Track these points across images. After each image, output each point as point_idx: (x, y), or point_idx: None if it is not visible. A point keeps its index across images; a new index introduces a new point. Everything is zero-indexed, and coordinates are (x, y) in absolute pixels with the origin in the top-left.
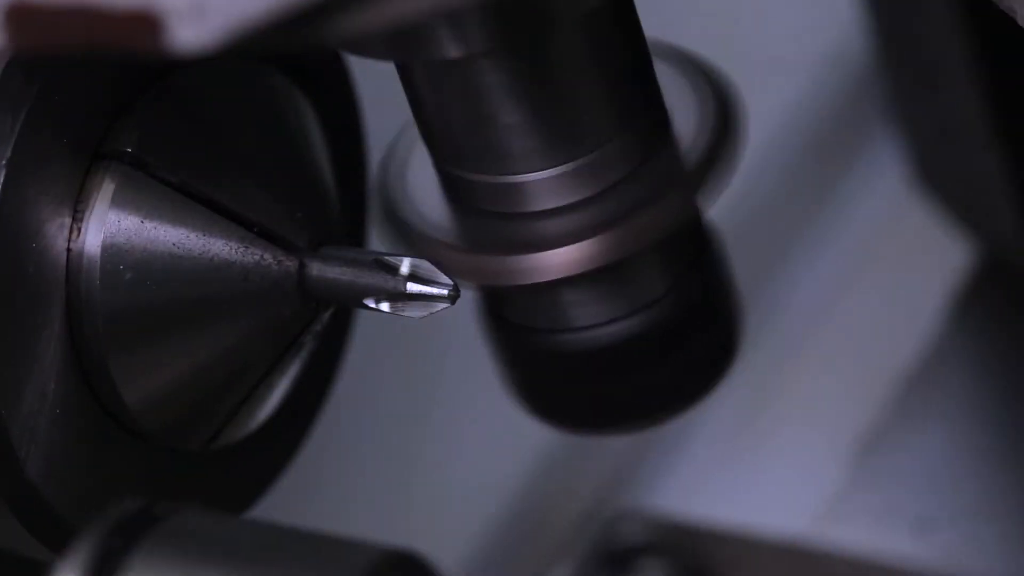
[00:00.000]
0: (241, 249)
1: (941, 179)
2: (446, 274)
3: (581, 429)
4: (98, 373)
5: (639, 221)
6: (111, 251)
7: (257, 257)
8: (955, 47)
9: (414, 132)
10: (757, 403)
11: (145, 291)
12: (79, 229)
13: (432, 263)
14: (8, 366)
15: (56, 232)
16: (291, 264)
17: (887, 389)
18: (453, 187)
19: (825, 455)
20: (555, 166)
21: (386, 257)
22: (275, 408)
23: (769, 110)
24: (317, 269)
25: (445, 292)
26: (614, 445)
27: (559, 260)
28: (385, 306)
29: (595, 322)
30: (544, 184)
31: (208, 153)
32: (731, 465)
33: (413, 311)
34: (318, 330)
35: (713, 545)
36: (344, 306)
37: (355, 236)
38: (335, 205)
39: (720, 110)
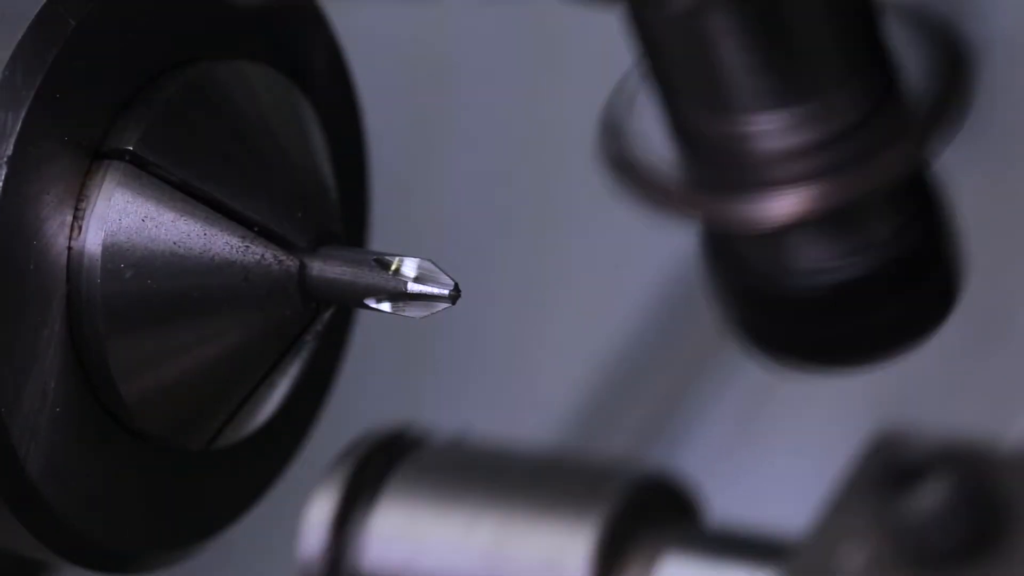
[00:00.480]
0: (242, 248)
1: None
2: (674, 216)
3: (803, 365)
4: (98, 373)
5: (868, 168)
6: (112, 250)
7: (258, 256)
8: None
9: (633, 81)
10: (765, 397)
11: (146, 290)
12: (80, 228)
13: (662, 203)
14: (8, 365)
15: (57, 231)
16: (292, 264)
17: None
18: (681, 132)
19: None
20: (782, 109)
21: (387, 257)
22: (276, 408)
23: None
24: (318, 269)
25: (446, 292)
26: (615, 445)
27: (787, 204)
28: (386, 306)
29: (821, 264)
30: (773, 128)
31: (209, 152)
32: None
33: (414, 311)
34: (318, 330)
35: (1001, 468)
36: (344, 306)
37: (355, 236)
38: (335, 205)
39: (950, 62)
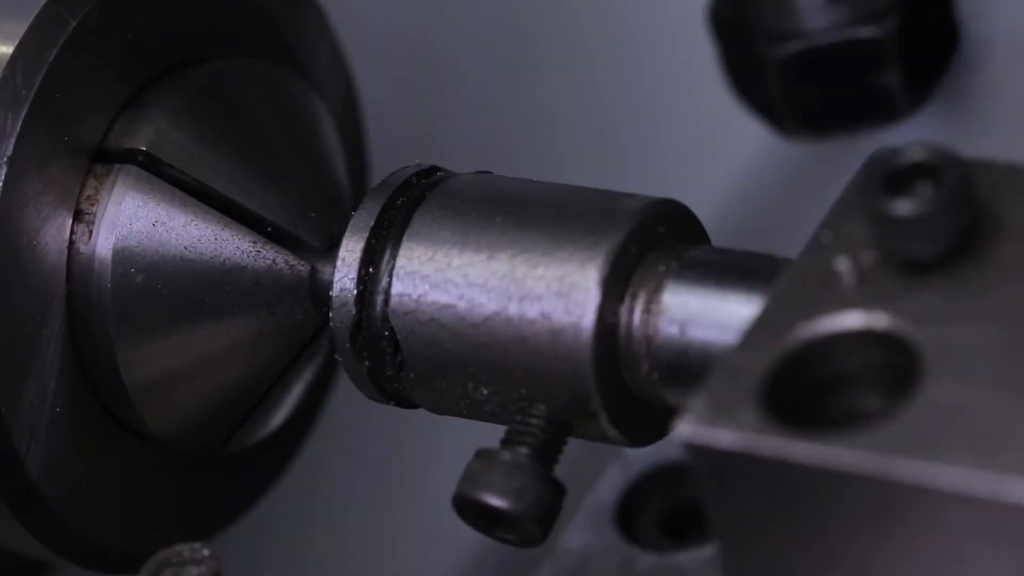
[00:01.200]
0: (253, 253)
1: None
2: None
3: (801, 133)
4: (107, 375)
5: None
6: (122, 254)
7: (269, 261)
8: None
9: None
10: None
11: (156, 294)
12: (90, 232)
13: None
14: (8, 365)
15: (57, 231)
16: (303, 268)
17: None
18: None
19: None
20: None
21: None
22: (289, 413)
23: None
24: (328, 273)
25: None
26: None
27: None
28: None
29: (823, 26)
30: None
31: (221, 154)
32: None
33: None
34: (330, 331)
35: (985, 175)
36: None
37: None
38: (348, 207)
39: None
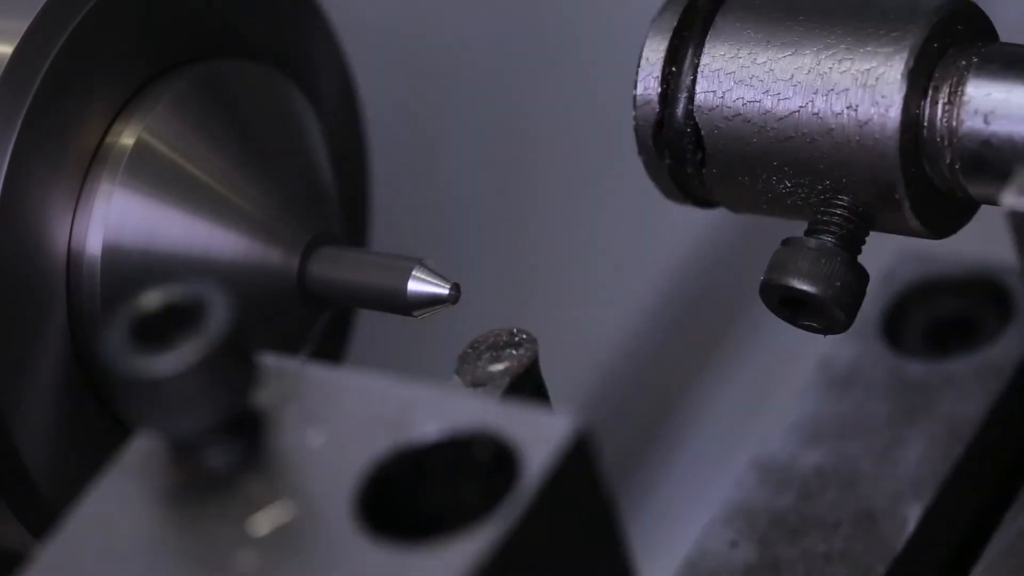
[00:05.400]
0: (242, 249)
1: None
2: None
3: None
4: (99, 372)
5: None
6: (112, 250)
7: (259, 257)
8: None
9: None
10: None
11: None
12: (81, 229)
13: None
14: (8, 365)
15: (57, 232)
16: (292, 264)
17: None
18: None
19: None
20: None
21: (387, 257)
22: None
23: None
24: (318, 269)
25: (446, 292)
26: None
27: None
28: (385, 306)
29: None
30: None
31: (210, 152)
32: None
33: (413, 311)
34: (318, 330)
35: None
36: (344, 306)
37: (355, 236)
38: (336, 205)
39: None
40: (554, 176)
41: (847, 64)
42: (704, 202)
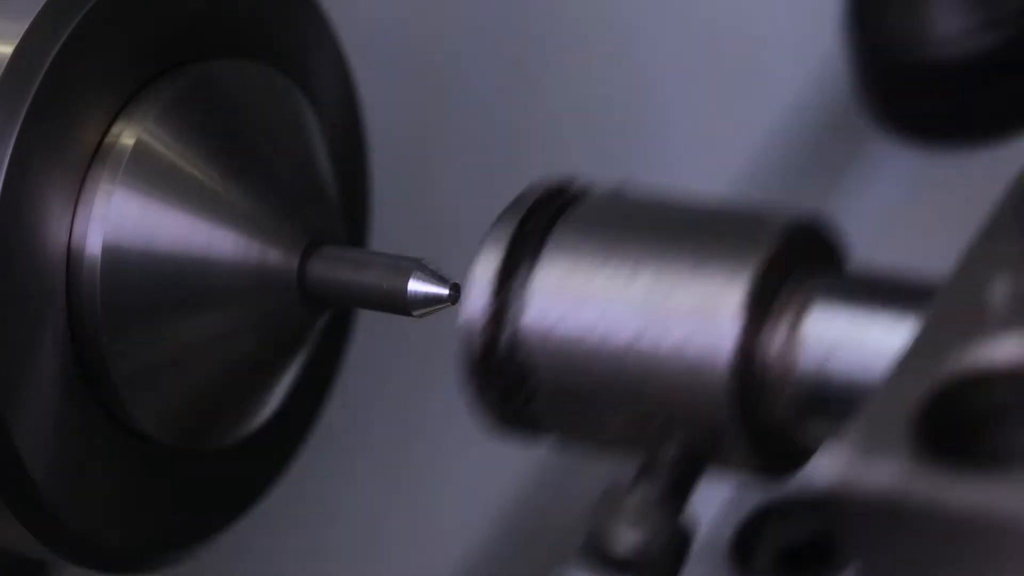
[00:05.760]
0: (242, 249)
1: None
2: None
3: (935, 142)
4: (98, 373)
5: None
6: (112, 251)
7: (258, 257)
8: None
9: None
10: None
11: (146, 291)
12: (80, 229)
13: None
14: (8, 365)
15: (57, 231)
16: (292, 264)
17: None
18: None
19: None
20: None
21: (387, 257)
22: (276, 408)
23: (763, 114)
24: (318, 269)
25: (446, 292)
26: None
27: None
28: (386, 307)
29: (955, 33)
30: None
31: (210, 152)
32: None
33: (413, 311)
34: (319, 330)
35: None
36: (344, 306)
37: (355, 236)
38: (336, 205)
39: None
40: (555, 173)
41: (683, 291)
42: (535, 434)
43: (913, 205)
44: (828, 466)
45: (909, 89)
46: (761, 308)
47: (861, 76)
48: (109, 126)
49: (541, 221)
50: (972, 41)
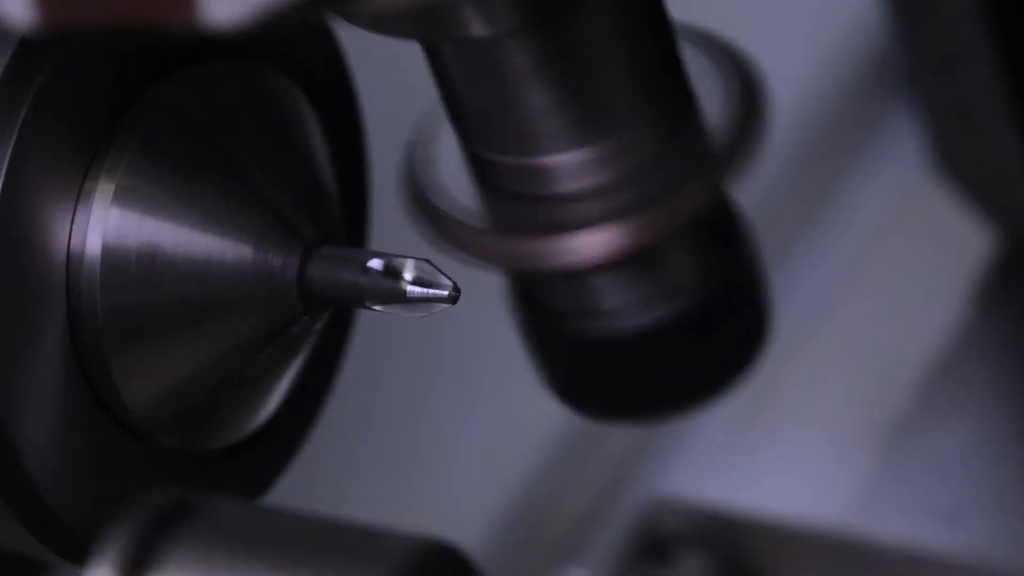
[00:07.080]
0: (242, 249)
1: (960, 162)
2: (475, 258)
3: (609, 417)
4: (98, 373)
5: (667, 205)
6: (112, 251)
7: (258, 257)
8: (975, 27)
9: (439, 115)
10: (773, 392)
11: (145, 291)
12: (80, 230)
13: (461, 247)
14: (8, 366)
15: (57, 232)
16: (292, 264)
17: (910, 379)
18: (481, 169)
19: (845, 446)
20: (583, 147)
21: (386, 257)
22: (276, 408)
23: (783, 93)
24: (318, 269)
25: (446, 293)
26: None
27: (588, 243)
28: (385, 306)
29: (623, 307)
30: (572, 166)
31: (209, 153)
32: (753, 455)
33: (413, 311)
34: (318, 330)
35: (753, 537)
36: (344, 306)
37: (355, 236)
38: (336, 205)
39: (745, 92)
40: None
41: None
42: None
43: (934, 188)
44: None
45: (584, 367)
46: None
47: (537, 357)
48: (110, 126)
49: (151, 539)
50: (640, 314)
